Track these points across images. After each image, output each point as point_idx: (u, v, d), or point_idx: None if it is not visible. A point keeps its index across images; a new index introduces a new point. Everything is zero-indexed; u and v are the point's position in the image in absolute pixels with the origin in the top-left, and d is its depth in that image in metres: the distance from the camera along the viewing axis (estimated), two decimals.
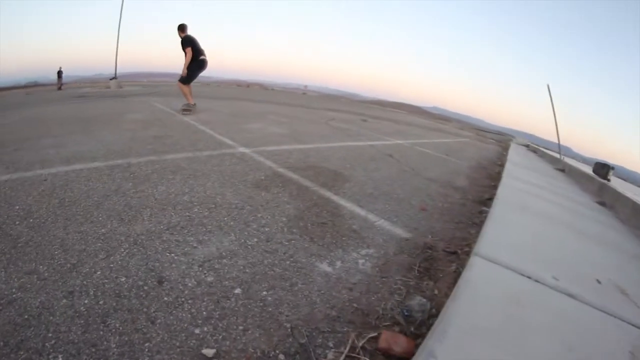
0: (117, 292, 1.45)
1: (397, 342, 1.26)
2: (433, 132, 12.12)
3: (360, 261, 1.93)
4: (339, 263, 1.88)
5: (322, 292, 1.61)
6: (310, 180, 3.32)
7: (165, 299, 1.44)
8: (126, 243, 1.80)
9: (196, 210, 2.31)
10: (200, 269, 1.67)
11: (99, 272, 1.56)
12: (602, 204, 4.87)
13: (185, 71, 6.22)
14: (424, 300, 1.57)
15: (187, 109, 6.47)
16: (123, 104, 8.21)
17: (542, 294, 1.58)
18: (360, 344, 1.27)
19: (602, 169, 6.54)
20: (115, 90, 14.15)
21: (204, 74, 6.73)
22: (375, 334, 1.35)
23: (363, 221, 2.51)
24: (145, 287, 1.50)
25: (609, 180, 6.19)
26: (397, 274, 1.87)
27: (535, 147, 14.28)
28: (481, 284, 1.40)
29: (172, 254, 1.76)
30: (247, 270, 1.70)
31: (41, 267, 1.57)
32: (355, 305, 1.55)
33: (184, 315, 1.37)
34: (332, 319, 1.43)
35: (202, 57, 6.30)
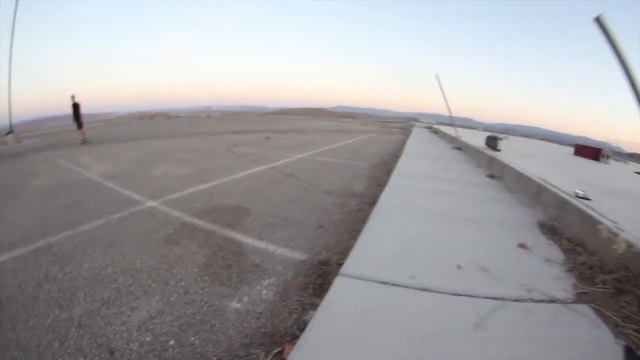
0: None
1: None
2: (337, 135, 12.77)
3: (264, 292, 2.60)
4: (245, 298, 2.52)
5: (236, 325, 2.24)
6: (214, 223, 3.80)
7: None
8: (73, 327, 2.22)
9: (121, 280, 2.73)
10: (139, 332, 2.18)
11: None
12: (491, 176, 5.21)
13: (81, 122, 12.28)
14: None
15: (85, 140, 12.08)
16: (25, 166, 7.79)
17: (398, 296, 1.75)
18: (269, 359, 1.91)
19: (493, 141, 6.97)
20: (14, 145, 13.48)
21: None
22: (280, 348, 1.94)
23: (264, 253, 3.14)
24: None
25: (499, 150, 6.62)
26: (295, 295, 2.49)
27: (437, 129, 14.92)
28: (341, 303, 1.70)
29: (113, 326, 2.23)
30: (174, 324, 2.25)
31: None
32: (263, 330, 2.17)
33: None
34: (246, 346, 2.05)
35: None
